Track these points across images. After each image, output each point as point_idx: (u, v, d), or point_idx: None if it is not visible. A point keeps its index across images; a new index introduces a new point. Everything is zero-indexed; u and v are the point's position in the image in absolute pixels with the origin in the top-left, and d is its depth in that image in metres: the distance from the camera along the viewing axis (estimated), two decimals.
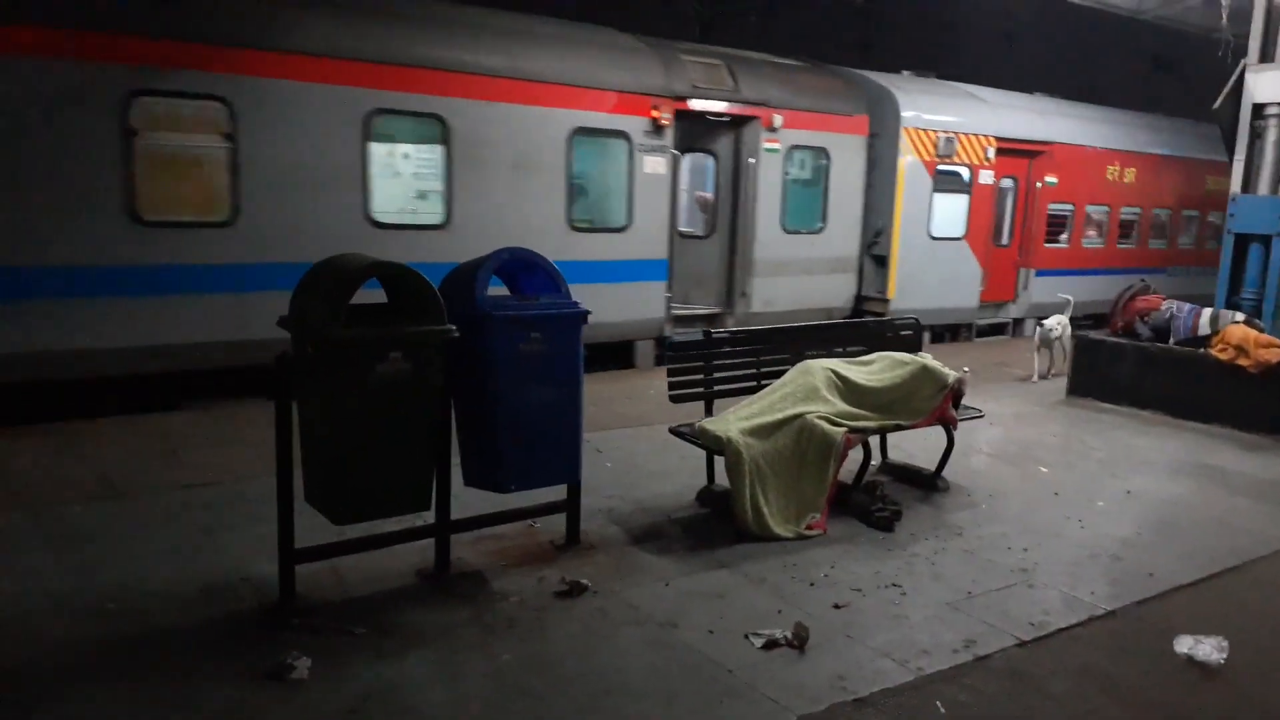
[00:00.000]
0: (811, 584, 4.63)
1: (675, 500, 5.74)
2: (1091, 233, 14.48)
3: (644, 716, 3.44)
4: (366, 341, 4.03)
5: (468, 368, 4.45)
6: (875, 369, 6.04)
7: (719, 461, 5.44)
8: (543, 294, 4.83)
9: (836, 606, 4.39)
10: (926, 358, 6.14)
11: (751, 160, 10.66)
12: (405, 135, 8.65)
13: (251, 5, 7.77)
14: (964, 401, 6.27)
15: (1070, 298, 10.18)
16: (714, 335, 6.05)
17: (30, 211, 6.83)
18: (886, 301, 11.89)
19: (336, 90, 7.98)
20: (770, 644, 3.98)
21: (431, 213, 8.67)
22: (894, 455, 6.62)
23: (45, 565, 4.50)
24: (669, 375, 5.81)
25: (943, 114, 12.21)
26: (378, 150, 8.33)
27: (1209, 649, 4.10)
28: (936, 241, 12.28)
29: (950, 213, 12.40)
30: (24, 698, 3.37)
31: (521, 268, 4.97)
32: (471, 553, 4.78)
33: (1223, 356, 8.35)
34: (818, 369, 5.81)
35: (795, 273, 11.25)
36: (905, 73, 12.89)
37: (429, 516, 4.46)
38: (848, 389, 5.79)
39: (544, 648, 3.88)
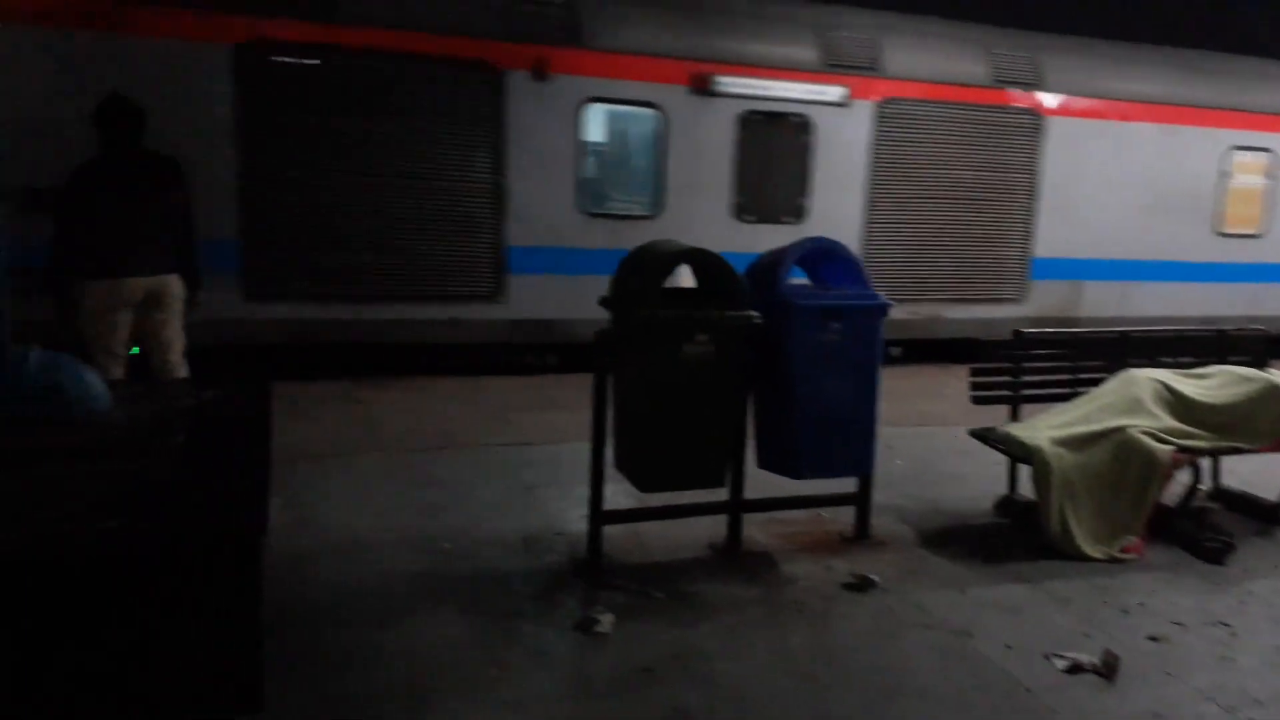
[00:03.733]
0: (1124, 611, 4.30)
1: (971, 506, 5.53)
2: None
3: None
4: (675, 323, 4.25)
5: (768, 354, 4.56)
6: (1212, 384, 5.44)
7: (1023, 470, 5.17)
8: (844, 284, 4.83)
9: (1152, 639, 4.05)
10: (1276, 376, 5.45)
11: None
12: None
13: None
14: None
15: None
16: (1026, 336, 5.73)
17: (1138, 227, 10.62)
18: None
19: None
20: (1074, 668, 3.75)
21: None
22: (1228, 481, 5.94)
23: (397, 502, 5.18)
24: (972, 375, 5.58)
25: None
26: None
27: None
28: None
29: None
30: (379, 614, 3.91)
31: (822, 258, 5.00)
32: (761, 533, 4.91)
33: None
34: (1144, 380, 5.34)
35: None
36: None
37: (723, 494, 4.62)
38: (1178, 403, 5.27)
39: (831, 638, 3.92)
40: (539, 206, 8.18)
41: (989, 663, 3.78)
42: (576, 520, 4.65)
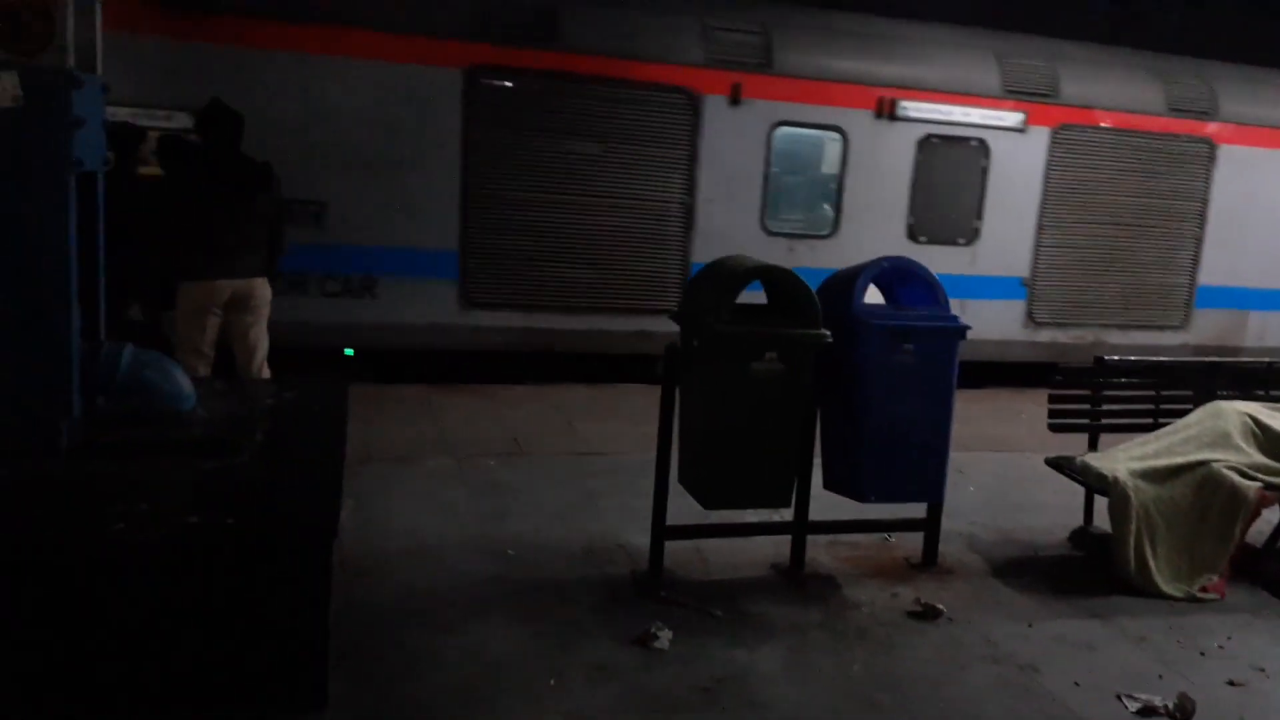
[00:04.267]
0: (1202, 653, 4.14)
1: (1044, 536, 5.38)
2: None
3: None
4: (745, 339, 4.23)
5: (838, 373, 4.51)
6: None
7: (1099, 502, 5.02)
8: (920, 305, 4.75)
9: (1231, 683, 3.89)
10: None
11: None
12: None
13: None
14: None
15: None
16: (1107, 362, 5.56)
17: None
18: None
19: None
20: (1147, 710, 3.63)
21: None
22: None
23: (464, 506, 5.26)
24: (1050, 401, 5.44)
25: None
26: None
27: None
28: None
29: None
30: (442, 618, 3.97)
31: (898, 278, 4.92)
32: (825, 556, 4.85)
33: None
34: (1231, 412, 5.13)
35: None
36: None
37: (788, 514, 4.59)
38: (1267, 439, 5.06)
39: (894, 666, 3.85)
40: (724, 224, 8.60)
41: (1056, 700, 3.67)
42: (638, 532, 4.67)
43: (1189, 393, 5.58)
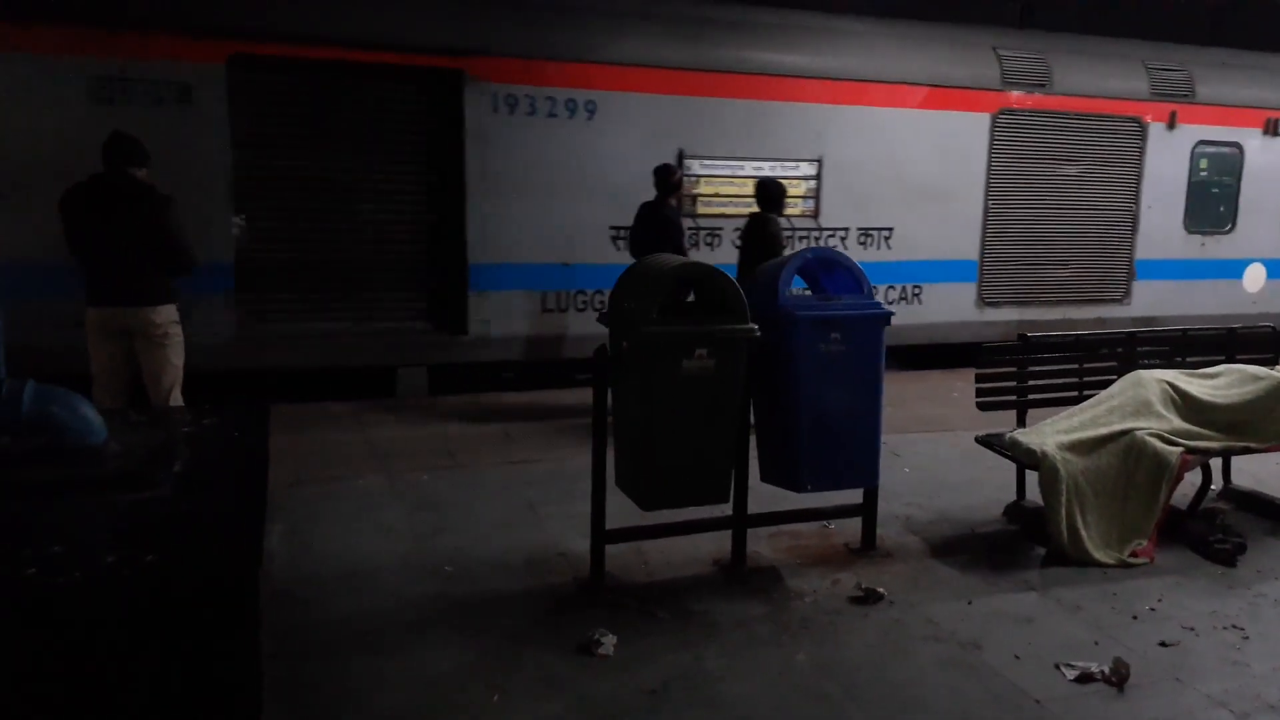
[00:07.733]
0: (1134, 617, 4.24)
1: (979, 514, 5.47)
2: None
3: None
4: (675, 338, 4.22)
5: (768, 366, 4.53)
6: (1221, 383, 5.39)
7: (1030, 476, 5.12)
8: (845, 294, 4.79)
9: (1163, 644, 3.99)
10: None
11: None
12: None
13: None
14: None
15: None
16: (1031, 339, 5.68)
17: None
18: None
19: None
20: (1084, 677, 3.70)
21: None
22: (1239, 481, 5.88)
23: (398, 525, 5.15)
24: (978, 380, 5.54)
25: None
26: None
27: None
28: None
29: None
30: (380, 641, 3.88)
31: (823, 267, 4.96)
32: (766, 548, 4.87)
33: None
34: (1151, 381, 5.28)
35: None
36: None
37: (727, 509, 4.58)
38: (1187, 404, 5.22)
39: (838, 653, 3.87)
40: (1158, 227, 10.62)
41: (998, 675, 3.73)
42: (578, 539, 4.63)
43: (1112, 364, 5.73)
